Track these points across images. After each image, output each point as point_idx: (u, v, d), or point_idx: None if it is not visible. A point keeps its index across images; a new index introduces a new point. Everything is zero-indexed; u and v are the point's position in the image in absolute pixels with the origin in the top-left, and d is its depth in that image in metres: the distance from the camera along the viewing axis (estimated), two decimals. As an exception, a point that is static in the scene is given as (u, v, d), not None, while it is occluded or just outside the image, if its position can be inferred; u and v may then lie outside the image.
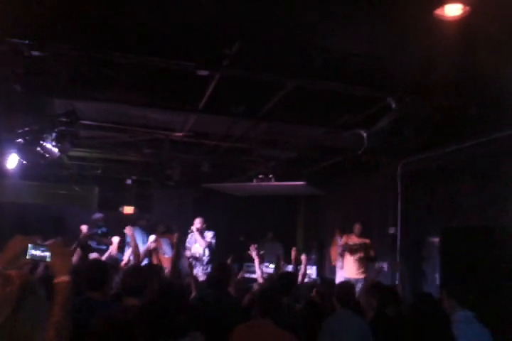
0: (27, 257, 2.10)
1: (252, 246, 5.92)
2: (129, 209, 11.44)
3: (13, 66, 4.80)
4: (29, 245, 2.12)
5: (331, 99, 5.60)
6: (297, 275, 5.40)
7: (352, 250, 8.65)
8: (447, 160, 7.15)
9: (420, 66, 4.32)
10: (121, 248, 6.62)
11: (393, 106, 4.85)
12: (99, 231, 9.38)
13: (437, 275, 7.31)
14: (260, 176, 8.27)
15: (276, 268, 6.14)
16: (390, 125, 5.26)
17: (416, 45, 3.90)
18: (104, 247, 9.15)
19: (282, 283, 4.76)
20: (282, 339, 3.67)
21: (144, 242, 9.04)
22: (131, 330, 3.08)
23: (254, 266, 8.97)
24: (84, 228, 6.68)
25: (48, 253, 2.12)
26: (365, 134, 5.44)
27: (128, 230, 5.92)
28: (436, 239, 7.44)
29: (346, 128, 6.16)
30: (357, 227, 8.82)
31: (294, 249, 6.16)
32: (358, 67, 4.59)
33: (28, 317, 1.38)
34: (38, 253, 2.11)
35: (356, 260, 8.59)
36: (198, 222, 8.76)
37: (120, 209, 11.43)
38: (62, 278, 2.05)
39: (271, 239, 10.94)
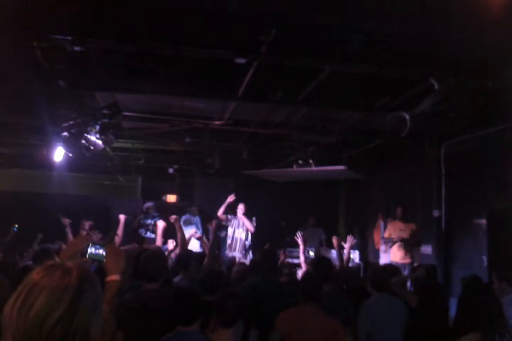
0: (87, 256, 2.19)
1: (299, 232, 5.93)
2: (171, 198, 11.64)
3: (56, 62, 4.92)
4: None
5: (370, 82, 5.52)
6: (331, 260, 5.38)
7: (391, 242, 8.55)
8: (492, 141, 6.95)
9: (464, 45, 4.19)
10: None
11: (436, 86, 4.73)
12: (152, 221, 9.55)
13: (484, 258, 7.17)
14: (300, 162, 8.26)
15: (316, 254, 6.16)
16: (433, 106, 5.13)
17: (461, 24, 3.79)
18: (153, 236, 9.34)
19: (318, 268, 4.74)
20: (327, 323, 3.68)
21: (199, 228, 9.21)
22: (149, 313, 3.20)
23: (295, 251, 9.05)
24: (122, 217, 6.74)
25: (103, 252, 2.19)
26: (407, 116, 5.33)
27: (173, 219, 5.91)
28: (483, 221, 7.28)
29: (387, 110, 6.06)
30: (399, 211, 8.67)
31: (335, 237, 6.12)
32: (399, 48, 4.50)
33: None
34: (93, 250, 2.19)
35: (400, 245, 8.48)
36: (242, 208, 8.77)
37: (163, 197, 11.63)
38: (114, 277, 2.17)
39: (312, 225, 10.92)
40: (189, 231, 6.90)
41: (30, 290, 1.38)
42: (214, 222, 5.83)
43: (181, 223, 8.23)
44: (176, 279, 4.66)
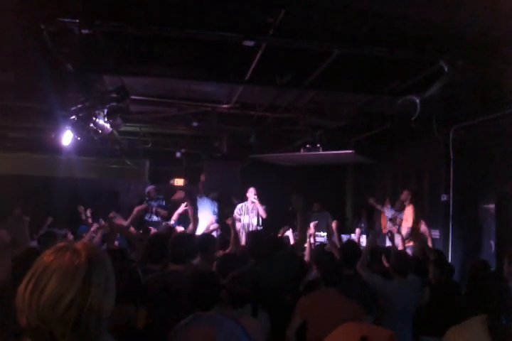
0: None
1: (313, 222, 6.01)
2: (179, 182, 11.67)
3: (64, 45, 4.90)
4: None
5: (379, 65, 5.48)
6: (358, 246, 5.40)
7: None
8: (501, 125, 6.89)
9: (475, 28, 4.13)
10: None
11: (446, 69, 4.68)
12: (156, 204, 9.64)
13: (492, 242, 7.17)
14: (308, 146, 8.23)
15: (328, 237, 6.23)
16: (442, 90, 5.08)
17: (471, 6, 3.73)
18: (156, 219, 9.41)
19: (346, 254, 4.74)
20: (347, 308, 3.69)
21: (214, 213, 9.19)
22: (171, 294, 3.22)
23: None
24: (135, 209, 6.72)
25: None
26: (418, 100, 5.28)
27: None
28: (491, 206, 7.26)
29: (396, 94, 6.02)
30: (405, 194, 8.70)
31: (334, 221, 6.17)
32: (409, 31, 4.44)
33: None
34: None
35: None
36: (254, 193, 8.71)
37: (171, 181, 11.67)
38: None
39: (317, 210, 10.90)
40: (204, 215, 6.92)
41: (41, 273, 1.39)
42: (230, 220, 5.85)
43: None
44: (195, 261, 4.69)
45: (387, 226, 9.51)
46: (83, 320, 1.37)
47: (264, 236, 5.20)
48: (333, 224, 6.04)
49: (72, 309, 1.36)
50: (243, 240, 8.15)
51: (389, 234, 5.88)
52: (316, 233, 6.29)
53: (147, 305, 2.81)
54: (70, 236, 6.74)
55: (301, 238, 5.28)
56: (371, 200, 9.26)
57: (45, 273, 1.39)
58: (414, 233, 8.27)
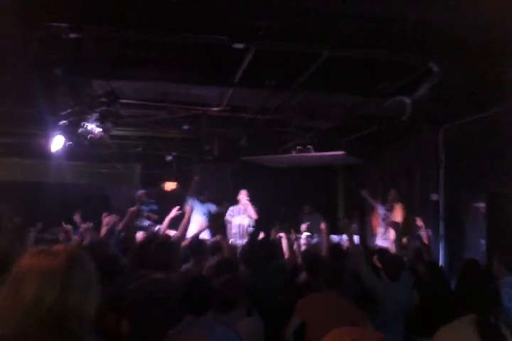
0: None
1: (304, 224, 6.04)
2: (171, 185, 11.64)
3: (53, 50, 4.88)
4: None
5: (369, 66, 5.50)
6: (343, 248, 5.44)
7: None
8: (491, 124, 6.95)
9: (464, 28, 4.15)
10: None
11: (435, 70, 4.71)
12: (147, 209, 9.60)
13: (483, 241, 7.22)
14: (299, 147, 8.25)
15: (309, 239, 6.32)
16: (432, 90, 5.11)
17: (460, 7, 3.75)
18: (146, 224, 9.35)
19: (333, 255, 4.76)
20: (348, 310, 3.71)
21: (204, 214, 9.15)
22: (154, 303, 3.21)
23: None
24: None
25: None
26: (408, 101, 5.31)
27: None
28: (481, 205, 7.31)
29: (386, 95, 6.04)
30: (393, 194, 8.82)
31: (323, 223, 6.19)
32: (397, 32, 4.46)
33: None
34: None
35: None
36: (245, 195, 8.73)
37: (162, 185, 11.64)
38: None
39: (308, 212, 10.90)
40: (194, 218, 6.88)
41: (20, 277, 1.38)
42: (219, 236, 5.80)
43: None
44: (186, 266, 4.66)
45: (378, 225, 9.55)
46: (65, 323, 1.36)
47: (258, 246, 5.17)
48: (323, 226, 6.06)
49: (53, 312, 1.34)
50: (232, 239, 8.17)
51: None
52: (305, 234, 6.31)
53: (129, 316, 2.81)
54: (68, 227, 6.62)
55: (292, 256, 5.29)
56: (364, 192, 9.31)
57: (24, 277, 1.37)
58: (404, 230, 8.32)
